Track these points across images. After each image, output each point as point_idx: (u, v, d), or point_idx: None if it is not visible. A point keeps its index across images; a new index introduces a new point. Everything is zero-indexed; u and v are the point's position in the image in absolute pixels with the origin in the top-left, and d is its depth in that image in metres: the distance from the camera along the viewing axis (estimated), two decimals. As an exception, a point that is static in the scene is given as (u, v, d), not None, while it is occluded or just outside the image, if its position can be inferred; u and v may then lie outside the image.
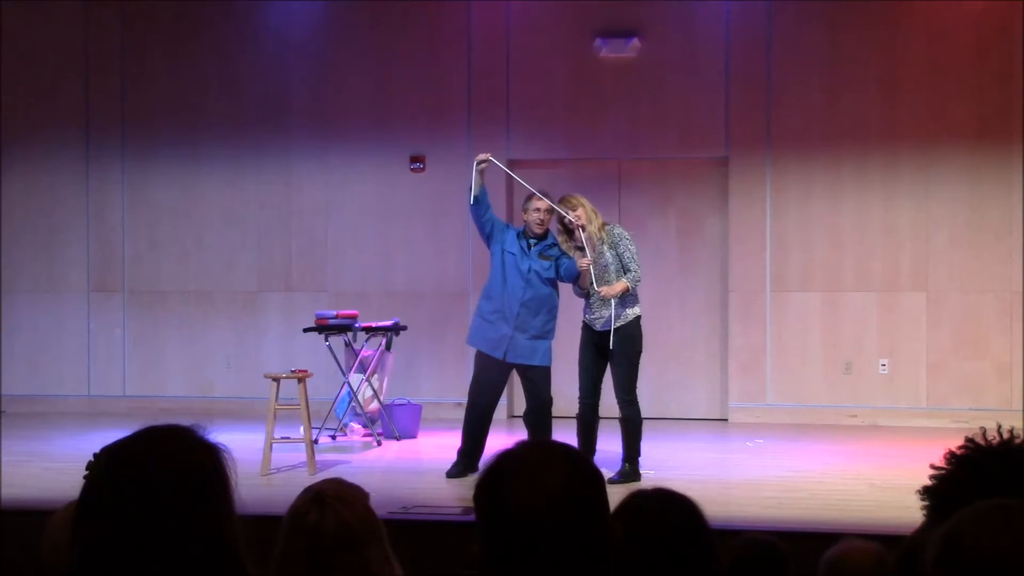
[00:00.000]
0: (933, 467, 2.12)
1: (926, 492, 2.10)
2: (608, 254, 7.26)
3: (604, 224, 7.36)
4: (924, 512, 2.11)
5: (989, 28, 9.87)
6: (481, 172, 7.38)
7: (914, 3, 9.98)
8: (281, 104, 10.77)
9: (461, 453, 7.50)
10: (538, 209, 7.51)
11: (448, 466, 7.50)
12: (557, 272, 7.49)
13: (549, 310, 7.52)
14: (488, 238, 7.57)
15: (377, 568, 2.49)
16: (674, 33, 10.28)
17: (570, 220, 7.26)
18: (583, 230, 7.22)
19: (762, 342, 10.16)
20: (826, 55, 10.07)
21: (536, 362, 7.44)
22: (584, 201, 7.36)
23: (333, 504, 2.52)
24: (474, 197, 7.40)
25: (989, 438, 2.08)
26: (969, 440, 2.10)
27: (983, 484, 1.95)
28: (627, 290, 7.20)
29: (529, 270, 7.43)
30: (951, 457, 2.09)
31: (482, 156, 7.40)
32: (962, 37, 9.91)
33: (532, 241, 7.53)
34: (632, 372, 7.25)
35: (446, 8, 10.53)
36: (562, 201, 7.37)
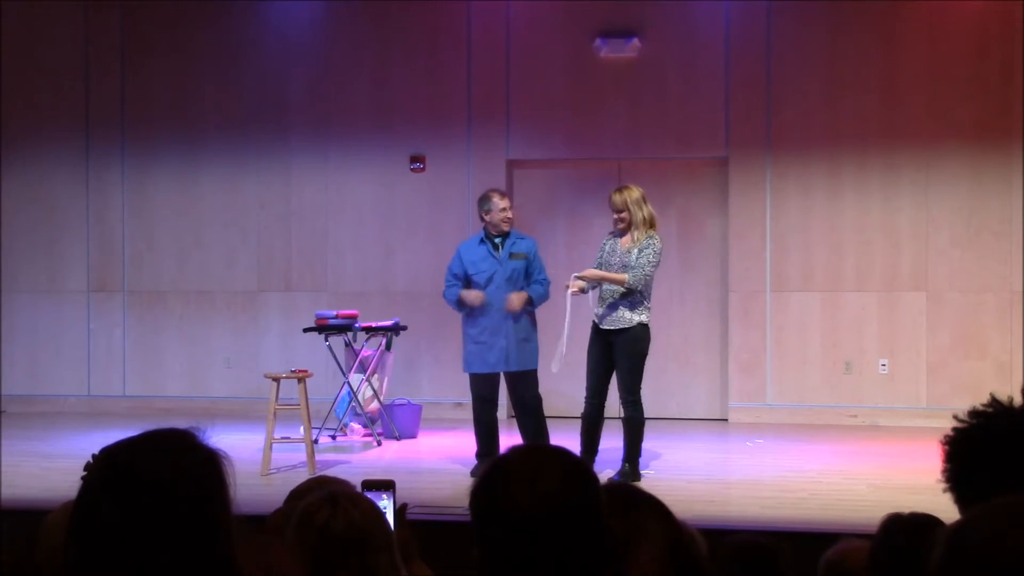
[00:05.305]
0: (956, 418, 2.16)
1: (947, 447, 2.12)
2: (632, 258, 7.20)
3: (650, 231, 7.28)
4: (944, 475, 2.12)
5: (989, 28, 9.87)
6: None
7: (914, 3, 9.98)
8: (281, 104, 10.76)
9: (479, 456, 7.54)
10: (503, 209, 7.49)
11: (450, 466, 7.56)
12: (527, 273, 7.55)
13: (530, 312, 7.54)
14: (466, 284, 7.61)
15: (384, 574, 2.47)
16: (674, 33, 10.27)
17: (617, 217, 7.33)
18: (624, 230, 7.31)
19: (762, 342, 10.15)
20: (826, 55, 10.06)
21: (527, 367, 7.49)
22: (634, 203, 7.30)
23: (345, 505, 2.49)
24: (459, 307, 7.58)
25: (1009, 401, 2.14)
26: (992, 398, 2.14)
27: (1003, 442, 1.99)
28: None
29: (505, 278, 7.44)
30: (973, 412, 2.13)
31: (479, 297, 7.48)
32: (962, 37, 9.90)
33: (498, 241, 7.51)
34: (636, 373, 7.23)
35: (446, 8, 10.52)
36: (616, 190, 7.42)
